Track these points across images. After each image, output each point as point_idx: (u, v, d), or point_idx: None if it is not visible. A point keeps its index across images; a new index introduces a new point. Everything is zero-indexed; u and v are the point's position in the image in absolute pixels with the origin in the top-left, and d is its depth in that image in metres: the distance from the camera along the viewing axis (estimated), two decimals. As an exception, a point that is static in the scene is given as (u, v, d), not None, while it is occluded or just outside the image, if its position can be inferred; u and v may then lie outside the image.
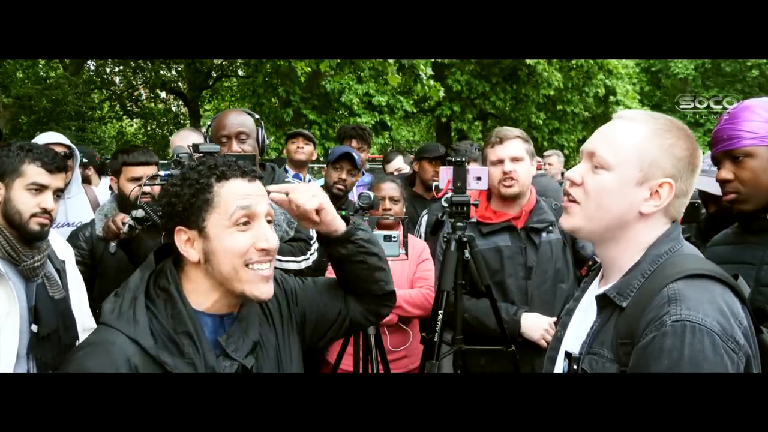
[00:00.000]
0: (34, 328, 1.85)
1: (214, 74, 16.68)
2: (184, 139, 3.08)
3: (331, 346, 2.80)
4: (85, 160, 4.10)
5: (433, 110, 14.59)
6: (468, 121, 13.84)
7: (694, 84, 22.61)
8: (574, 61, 12.74)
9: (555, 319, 2.44)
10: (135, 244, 2.39)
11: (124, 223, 2.34)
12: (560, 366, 1.29)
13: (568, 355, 1.24)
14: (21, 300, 1.84)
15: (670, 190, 1.18)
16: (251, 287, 1.27)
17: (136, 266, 2.46)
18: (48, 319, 1.89)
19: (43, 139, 3.19)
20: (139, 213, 2.05)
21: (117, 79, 18.24)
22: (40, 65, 15.19)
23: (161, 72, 16.46)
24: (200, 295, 1.29)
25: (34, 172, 1.86)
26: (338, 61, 9.42)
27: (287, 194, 1.39)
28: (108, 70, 17.36)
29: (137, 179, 2.67)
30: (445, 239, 2.44)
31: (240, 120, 2.49)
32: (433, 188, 3.01)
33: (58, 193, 1.93)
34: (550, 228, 2.54)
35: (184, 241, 1.27)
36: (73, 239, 2.63)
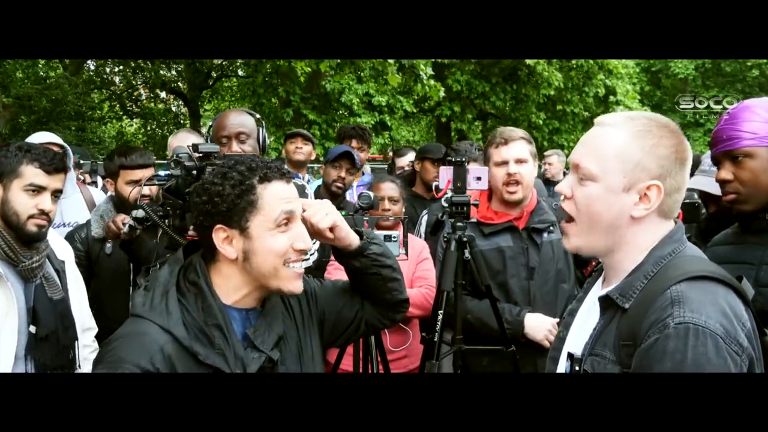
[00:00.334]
0: (33, 329, 1.84)
1: (214, 74, 16.69)
2: (182, 141, 3.07)
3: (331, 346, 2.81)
4: (81, 161, 4.09)
5: (433, 110, 14.59)
6: (468, 121, 13.84)
7: (694, 84, 22.61)
8: (574, 61, 12.74)
9: (558, 319, 2.44)
10: (136, 245, 2.39)
11: (124, 224, 2.33)
12: (563, 366, 1.29)
13: (570, 356, 1.24)
14: (20, 301, 1.83)
15: (659, 192, 1.18)
16: (287, 284, 1.34)
17: (138, 266, 2.47)
18: (46, 320, 1.88)
19: (36, 139, 3.14)
20: (140, 213, 2.05)
21: (117, 79, 18.25)
22: (40, 65, 15.20)
23: (161, 72, 16.47)
24: (230, 289, 1.34)
25: (32, 173, 1.84)
26: (338, 61, 9.42)
27: (303, 210, 1.43)
28: (108, 70, 17.37)
29: (135, 182, 2.64)
30: (445, 239, 2.44)
31: (240, 120, 2.48)
32: (433, 188, 3.01)
33: (57, 194, 1.92)
34: (551, 228, 2.54)
35: (223, 239, 1.30)
36: (69, 240, 2.62)
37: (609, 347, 1.16)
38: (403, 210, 3.09)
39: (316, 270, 2.85)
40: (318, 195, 3.40)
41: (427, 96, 9.71)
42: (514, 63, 12.65)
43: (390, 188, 3.00)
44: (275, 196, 1.31)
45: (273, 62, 9.23)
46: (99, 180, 5.27)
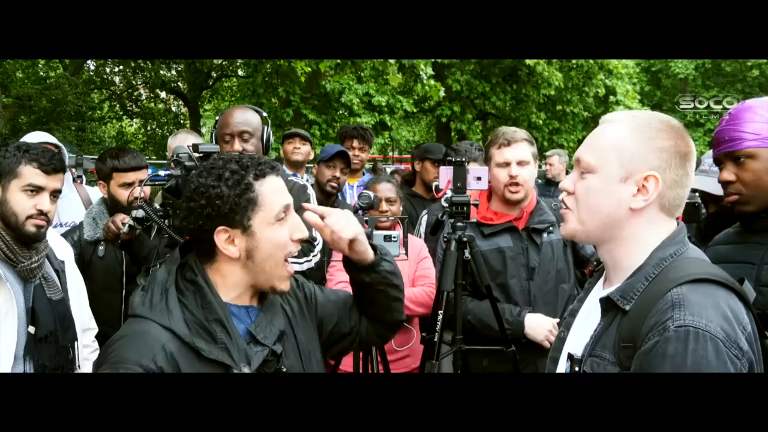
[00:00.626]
0: (32, 329, 1.84)
1: (214, 74, 16.69)
2: (181, 142, 3.07)
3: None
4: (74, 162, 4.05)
5: (433, 110, 14.58)
6: (468, 121, 13.83)
7: (694, 84, 22.61)
8: (574, 61, 12.74)
9: (558, 320, 2.44)
10: (137, 245, 2.38)
11: (124, 224, 2.33)
12: (563, 367, 1.29)
13: (570, 356, 1.24)
14: (19, 301, 1.83)
15: (657, 183, 1.18)
16: (281, 283, 1.37)
17: (138, 266, 2.46)
18: (45, 321, 1.88)
19: (30, 138, 3.12)
20: (140, 213, 2.05)
21: (117, 79, 18.24)
22: (40, 65, 15.19)
23: (161, 72, 16.46)
24: (228, 287, 1.35)
25: (30, 173, 1.84)
26: (338, 61, 9.41)
27: (323, 218, 1.45)
28: (108, 70, 17.37)
29: (129, 185, 2.63)
30: (445, 239, 2.44)
31: (244, 118, 2.48)
32: (433, 188, 3.01)
33: (56, 195, 1.91)
34: (551, 228, 2.54)
35: (225, 239, 1.30)
36: None
37: (609, 349, 1.16)
38: (401, 209, 3.09)
39: (317, 270, 2.86)
40: None
41: (427, 96, 9.70)
42: (514, 63, 12.64)
43: (386, 189, 3.00)
44: (273, 191, 1.32)
45: (273, 62, 9.22)
46: (83, 176, 5.19)
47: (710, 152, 2.34)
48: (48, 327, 1.88)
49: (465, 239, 2.40)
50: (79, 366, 2.02)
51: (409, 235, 2.93)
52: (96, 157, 4.06)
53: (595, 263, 2.49)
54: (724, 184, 1.74)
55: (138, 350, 1.22)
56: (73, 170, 4.96)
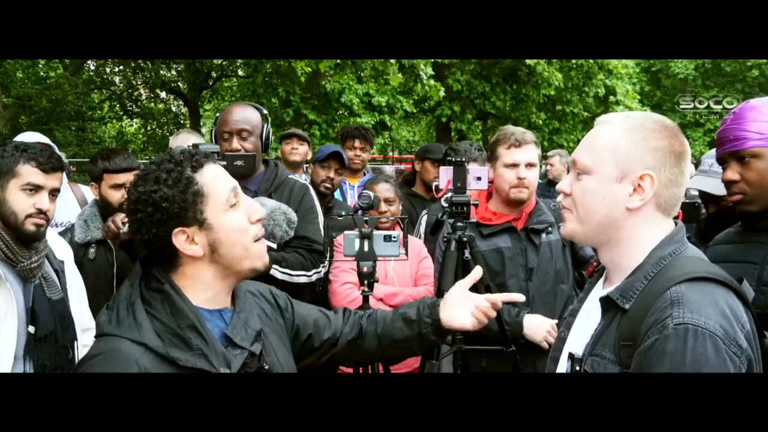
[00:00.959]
0: (31, 329, 1.84)
1: (214, 74, 16.70)
2: (183, 142, 3.07)
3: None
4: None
5: (433, 110, 14.60)
6: (468, 121, 13.84)
7: (694, 84, 22.62)
8: (574, 61, 12.75)
9: (556, 320, 2.44)
10: (137, 245, 2.38)
11: (124, 223, 2.33)
12: (563, 367, 1.29)
13: (571, 356, 1.24)
14: (19, 301, 1.83)
15: (652, 182, 1.19)
16: (258, 261, 1.32)
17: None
18: (45, 321, 1.88)
19: (22, 139, 3.12)
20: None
21: (117, 79, 18.26)
22: (40, 65, 15.20)
23: (161, 72, 16.48)
24: (198, 290, 1.29)
25: (28, 173, 1.84)
26: (338, 61, 9.42)
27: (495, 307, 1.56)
28: (108, 70, 17.39)
29: (120, 186, 2.62)
30: (445, 239, 2.44)
31: (243, 116, 2.47)
32: (433, 188, 3.01)
33: (54, 193, 1.91)
34: (550, 229, 2.54)
35: (184, 240, 1.25)
36: None
37: (609, 348, 1.16)
38: (400, 209, 3.09)
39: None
40: None
41: (427, 96, 9.70)
42: (514, 63, 12.65)
43: (385, 189, 3.00)
44: (215, 179, 1.28)
45: (273, 62, 9.23)
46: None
47: (710, 152, 2.34)
48: (48, 327, 1.88)
49: (465, 239, 2.40)
50: (78, 366, 2.02)
51: (409, 235, 2.93)
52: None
53: (595, 263, 2.50)
54: (728, 183, 1.73)
55: (111, 370, 1.16)
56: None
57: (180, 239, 1.25)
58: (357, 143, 4.11)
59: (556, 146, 13.00)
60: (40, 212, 1.85)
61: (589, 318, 1.29)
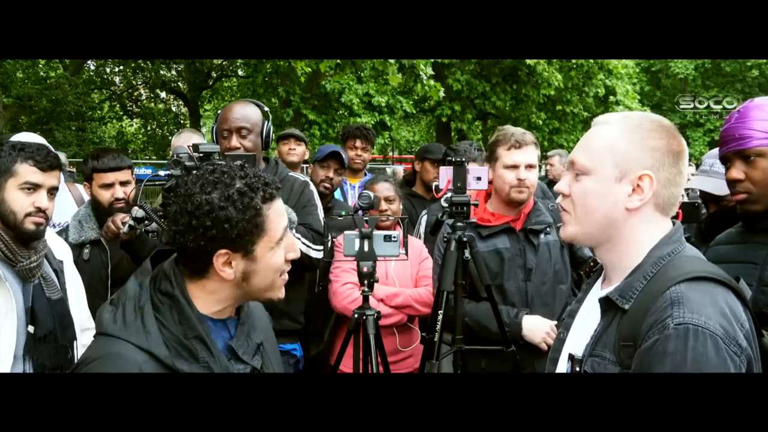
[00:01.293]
0: (31, 329, 1.84)
1: (214, 74, 16.72)
2: (185, 141, 3.07)
3: (332, 347, 2.81)
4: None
5: (433, 110, 14.61)
6: (468, 121, 13.85)
7: (694, 84, 22.63)
8: (574, 61, 12.76)
9: (555, 321, 2.44)
10: (137, 245, 2.38)
11: (124, 223, 2.33)
12: (563, 367, 1.29)
13: (571, 357, 1.24)
14: (18, 301, 1.83)
15: (651, 182, 1.19)
16: (278, 292, 1.32)
17: (139, 266, 2.45)
18: (44, 320, 1.88)
19: (17, 140, 3.11)
20: (139, 213, 2.05)
21: (117, 79, 18.28)
22: (40, 65, 15.21)
23: (161, 72, 16.49)
24: (211, 302, 1.27)
25: (26, 171, 1.83)
26: (338, 61, 9.42)
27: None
28: (108, 70, 17.40)
29: (109, 185, 2.61)
30: (445, 239, 2.44)
31: (243, 114, 2.47)
32: (433, 188, 3.01)
33: (53, 192, 1.91)
34: (548, 229, 2.53)
35: (223, 262, 1.23)
36: None
37: (609, 348, 1.16)
38: (401, 209, 3.09)
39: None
40: None
41: (427, 96, 9.71)
42: (514, 63, 12.66)
43: (385, 188, 3.00)
44: (277, 214, 1.26)
45: (273, 62, 9.23)
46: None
47: (711, 152, 2.35)
48: (47, 326, 1.88)
49: (465, 239, 2.40)
50: (78, 366, 2.02)
51: (409, 235, 2.93)
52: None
53: (591, 264, 2.50)
54: (732, 182, 1.72)
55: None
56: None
57: (220, 260, 1.22)
58: (358, 143, 4.11)
59: (556, 146, 13.00)
60: (39, 211, 1.85)
61: (588, 319, 1.29)
